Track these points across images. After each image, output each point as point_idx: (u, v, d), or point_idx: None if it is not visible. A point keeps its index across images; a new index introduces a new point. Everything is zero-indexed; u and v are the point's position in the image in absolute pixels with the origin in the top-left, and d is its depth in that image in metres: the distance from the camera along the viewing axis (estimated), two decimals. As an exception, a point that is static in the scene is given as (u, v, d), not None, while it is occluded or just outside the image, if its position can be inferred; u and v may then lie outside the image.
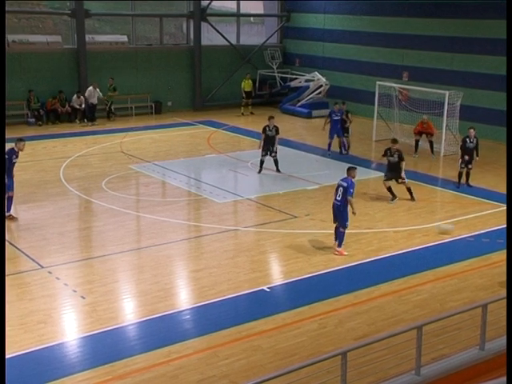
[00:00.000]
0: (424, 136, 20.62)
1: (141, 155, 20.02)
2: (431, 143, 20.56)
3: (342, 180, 12.47)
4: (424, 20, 24.83)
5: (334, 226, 12.65)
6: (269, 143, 17.94)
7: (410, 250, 12.86)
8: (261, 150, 18.08)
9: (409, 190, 15.92)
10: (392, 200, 15.77)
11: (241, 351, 8.93)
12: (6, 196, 13.73)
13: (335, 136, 20.60)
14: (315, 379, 7.60)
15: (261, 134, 18.15)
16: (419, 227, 14.08)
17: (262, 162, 18.18)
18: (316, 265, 11.96)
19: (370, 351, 8.13)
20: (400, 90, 22.90)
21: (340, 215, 12.43)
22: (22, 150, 14.34)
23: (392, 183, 15.86)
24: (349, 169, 12.62)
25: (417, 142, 20.68)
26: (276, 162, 18.16)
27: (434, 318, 8.52)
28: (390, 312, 10.19)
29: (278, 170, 18.16)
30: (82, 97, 24.74)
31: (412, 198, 15.84)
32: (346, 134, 20.79)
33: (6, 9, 24.35)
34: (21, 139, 14.40)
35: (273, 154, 18.07)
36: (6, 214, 13.76)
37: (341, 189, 12.32)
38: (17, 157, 14.14)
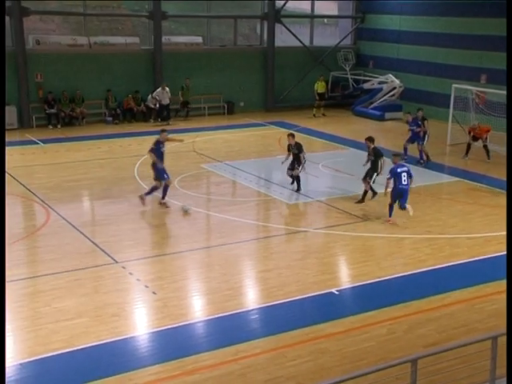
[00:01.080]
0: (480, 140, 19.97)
1: (212, 155, 20.30)
2: (485, 147, 19.88)
3: (399, 167, 14.21)
4: (502, 20, 23.99)
5: (394, 205, 14.25)
6: (294, 161, 16.40)
7: (485, 257, 12.48)
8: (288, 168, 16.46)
9: (365, 192, 15.64)
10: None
11: (308, 353, 8.92)
12: (164, 184, 15.04)
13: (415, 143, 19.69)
14: (383, 385, 7.50)
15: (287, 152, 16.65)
16: (495, 234, 13.64)
17: (297, 178, 16.48)
18: (385, 269, 11.81)
19: (440, 359, 7.94)
20: (477, 93, 22.26)
21: (407, 195, 14.21)
22: (166, 140, 15.46)
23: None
24: (395, 155, 14.72)
25: (469, 145, 20.11)
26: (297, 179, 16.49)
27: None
28: (461, 320, 9.93)
29: (298, 189, 16.40)
30: (156, 96, 25.34)
31: (362, 200, 15.58)
32: (420, 142, 19.55)
33: (88, 11, 25.47)
34: (163, 130, 15.72)
35: (295, 171, 16.38)
36: (161, 200, 15.08)
37: (404, 174, 14.06)
38: (163, 146, 15.28)
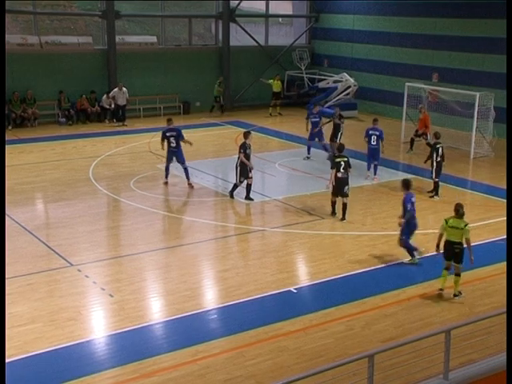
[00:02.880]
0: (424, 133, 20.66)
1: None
2: (412, 141, 20.96)
3: (372, 129, 17.46)
4: (454, 20, 24.56)
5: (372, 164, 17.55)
6: (245, 168, 15.49)
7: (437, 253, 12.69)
8: (239, 175, 15.58)
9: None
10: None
11: (267, 352, 8.95)
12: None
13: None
14: (341, 381, 7.59)
15: (238, 153, 15.60)
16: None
17: (235, 187, 15.73)
18: (342, 266, 11.93)
19: (397, 354, 8.09)
20: (430, 91, 22.69)
21: (377, 154, 17.48)
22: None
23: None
24: (375, 119, 17.88)
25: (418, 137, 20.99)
26: (250, 187, 15.74)
27: (463, 322, 8.45)
28: (417, 315, 10.11)
29: (248, 198, 15.67)
30: (112, 97, 25.03)
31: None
32: (334, 139, 19.28)
33: (39, 10, 24.98)
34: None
35: (250, 178, 15.60)
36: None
37: (374, 136, 17.27)
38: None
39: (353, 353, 8.60)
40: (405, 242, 12.02)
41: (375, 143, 17.53)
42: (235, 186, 15.77)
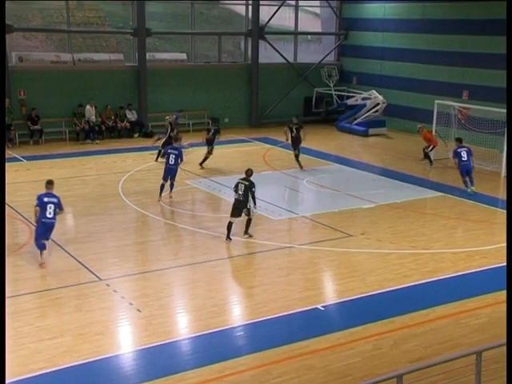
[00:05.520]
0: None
1: (197, 171, 20.28)
2: (425, 153, 21.51)
3: (459, 148, 18.45)
4: (485, 37, 24.38)
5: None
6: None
7: (468, 272, 12.55)
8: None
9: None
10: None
11: (294, 370, 8.88)
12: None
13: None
14: (369, 401, 7.47)
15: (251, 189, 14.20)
16: (478, 249, 13.74)
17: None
18: (370, 285, 11.82)
19: (426, 375, 7.95)
20: (460, 108, 22.51)
21: (471, 169, 18.35)
22: None
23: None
24: (458, 139, 19.08)
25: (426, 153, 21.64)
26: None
27: (495, 344, 8.26)
28: (446, 335, 9.96)
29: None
30: (133, 111, 25.71)
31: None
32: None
33: (72, 29, 25.47)
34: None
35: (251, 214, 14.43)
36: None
37: (464, 153, 18.09)
38: None
39: (381, 372, 8.48)
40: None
41: (466, 159, 18.08)
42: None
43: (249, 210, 14.16)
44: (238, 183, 14.21)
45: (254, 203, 14.20)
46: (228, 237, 14.05)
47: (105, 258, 12.91)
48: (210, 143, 20.92)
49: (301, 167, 20.44)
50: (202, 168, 20.55)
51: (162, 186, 16.90)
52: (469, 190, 18.05)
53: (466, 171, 18.17)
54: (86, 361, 8.98)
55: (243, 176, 14.35)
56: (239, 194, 14.06)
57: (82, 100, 24.80)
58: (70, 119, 24.68)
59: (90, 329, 9.89)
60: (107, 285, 11.58)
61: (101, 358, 9.09)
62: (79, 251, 13.28)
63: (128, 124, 25.71)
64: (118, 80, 25.96)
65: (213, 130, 21.15)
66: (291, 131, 20.81)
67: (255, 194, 14.10)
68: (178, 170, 17.30)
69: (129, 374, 8.79)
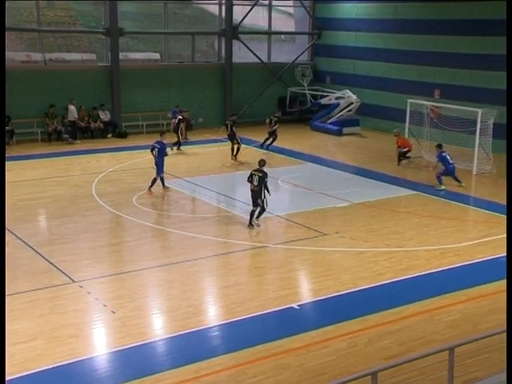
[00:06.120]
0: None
1: (171, 171, 20.17)
2: (402, 154, 21.76)
3: (444, 153, 18.74)
4: (456, 37, 24.69)
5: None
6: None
7: (441, 269, 12.70)
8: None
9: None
10: None
11: (269, 369, 8.90)
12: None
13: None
14: (344, 399, 7.51)
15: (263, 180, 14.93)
16: (451, 246, 13.92)
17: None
18: (345, 283, 11.89)
19: (400, 372, 8.02)
20: (432, 107, 22.76)
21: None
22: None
23: None
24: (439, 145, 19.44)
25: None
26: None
27: (467, 340, 8.37)
28: (420, 332, 10.06)
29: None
30: (106, 111, 25.55)
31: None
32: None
33: (44, 28, 25.16)
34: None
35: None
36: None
37: (448, 157, 18.43)
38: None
39: (356, 370, 8.54)
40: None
41: (452, 161, 18.94)
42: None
43: (263, 200, 14.86)
44: (252, 174, 14.97)
45: (268, 191, 14.93)
46: (250, 223, 14.88)
47: (78, 260, 12.78)
48: (232, 138, 21.70)
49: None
50: (236, 161, 21.50)
51: (154, 180, 17.59)
52: (463, 184, 18.90)
53: (453, 172, 18.89)
54: (60, 364, 8.88)
55: (256, 167, 15.12)
56: (254, 185, 14.82)
57: (54, 100, 24.54)
58: (42, 120, 24.43)
59: (63, 331, 9.79)
60: (81, 286, 11.47)
61: (75, 360, 8.99)
62: (52, 253, 13.14)
63: (101, 124, 25.52)
64: (90, 80, 25.73)
65: (229, 125, 21.93)
66: (270, 123, 23.07)
67: (267, 184, 14.92)
68: (163, 165, 17.73)
69: (103, 376, 8.72)
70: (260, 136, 26.18)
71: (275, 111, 24.75)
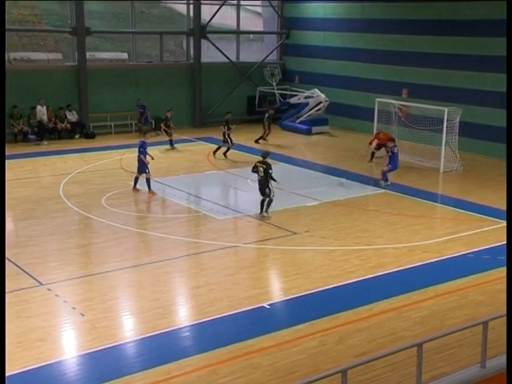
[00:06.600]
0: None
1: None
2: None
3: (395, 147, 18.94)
4: (423, 37, 25.00)
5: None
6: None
7: (410, 266, 12.83)
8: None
9: None
10: None
11: (240, 369, 8.89)
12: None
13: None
14: (315, 397, 7.54)
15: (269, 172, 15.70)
16: (419, 243, 14.07)
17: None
18: (316, 281, 11.94)
19: (370, 369, 8.11)
20: (399, 106, 23.01)
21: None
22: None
23: None
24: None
25: (373, 153, 21.88)
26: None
27: (435, 336, 8.49)
28: (390, 329, 10.15)
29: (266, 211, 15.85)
30: (73, 111, 25.23)
31: None
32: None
33: (8, 27, 24.72)
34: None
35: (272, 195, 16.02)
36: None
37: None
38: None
39: (326, 368, 8.58)
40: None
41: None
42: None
43: (270, 190, 15.55)
44: (257, 166, 15.70)
45: (274, 180, 15.61)
46: (261, 212, 15.61)
47: (46, 262, 12.60)
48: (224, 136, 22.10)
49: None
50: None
51: (148, 180, 17.65)
52: (389, 183, 18.88)
53: (396, 169, 19.27)
54: (27, 369, 8.73)
55: (260, 159, 15.82)
56: (260, 176, 15.58)
57: (19, 101, 24.15)
58: (7, 121, 24.00)
59: (30, 335, 9.64)
60: (49, 289, 11.31)
61: (42, 364, 8.86)
62: (19, 255, 12.93)
63: (68, 125, 25.20)
64: (57, 80, 25.38)
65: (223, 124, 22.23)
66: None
67: (272, 175, 15.55)
68: (144, 163, 17.61)
69: (73, 380, 8.60)
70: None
71: (269, 108, 26.21)
